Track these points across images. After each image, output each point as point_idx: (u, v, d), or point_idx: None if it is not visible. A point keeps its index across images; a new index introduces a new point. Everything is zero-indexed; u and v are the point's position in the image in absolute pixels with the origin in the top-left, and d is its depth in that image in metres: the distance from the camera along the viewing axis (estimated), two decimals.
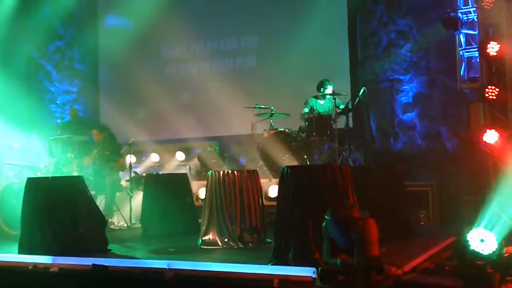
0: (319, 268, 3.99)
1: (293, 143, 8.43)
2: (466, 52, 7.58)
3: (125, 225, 8.26)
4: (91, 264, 4.80)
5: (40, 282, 4.91)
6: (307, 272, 4.07)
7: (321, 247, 4.29)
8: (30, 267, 5.05)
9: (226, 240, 6.00)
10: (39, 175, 7.99)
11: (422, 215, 7.51)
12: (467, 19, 7.57)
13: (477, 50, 7.31)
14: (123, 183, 8.66)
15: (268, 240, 6.02)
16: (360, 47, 9.60)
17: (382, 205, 5.42)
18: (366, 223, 4.12)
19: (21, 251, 5.62)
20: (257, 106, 8.87)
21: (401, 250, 5.04)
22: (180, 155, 10.32)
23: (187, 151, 10.44)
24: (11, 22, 11.25)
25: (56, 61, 12.45)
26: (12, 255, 5.49)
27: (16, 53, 11.70)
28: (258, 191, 6.32)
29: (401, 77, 9.17)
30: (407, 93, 9.13)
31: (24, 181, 5.92)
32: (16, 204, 6.55)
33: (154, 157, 10.38)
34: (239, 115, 9.51)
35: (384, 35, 9.35)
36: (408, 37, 9.07)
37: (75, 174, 8.06)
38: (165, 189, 7.42)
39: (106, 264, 4.76)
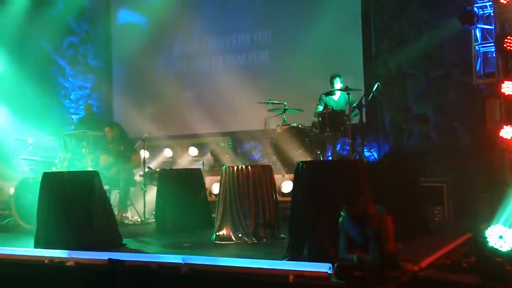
0: (335, 264, 3.97)
1: (306, 139, 8.40)
2: (482, 47, 7.52)
3: (139, 219, 8.30)
4: (107, 258, 4.81)
5: (56, 276, 4.93)
6: (322, 267, 4.04)
7: (337, 243, 4.26)
8: (46, 261, 5.08)
9: (240, 235, 6.00)
10: (54, 170, 8.04)
11: (437, 212, 7.47)
12: (483, 13, 7.50)
13: (493, 45, 7.23)
14: (137, 178, 8.69)
15: (282, 235, 6.02)
16: (374, 41, 9.53)
17: (397, 201, 5.39)
18: (381, 219, 4.09)
19: (37, 245, 5.65)
20: (270, 102, 8.87)
21: (417, 246, 5.02)
22: (193, 151, 10.32)
23: (200, 147, 10.45)
24: (25, 18, 11.31)
25: (70, 57, 12.52)
26: (28, 249, 5.52)
27: (30, 49, 11.78)
28: (272, 186, 6.32)
29: (416, 72, 9.10)
30: (422, 88, 9.06)
31: (39, 176, 5.95)
32: (31, 198, 6.60)
33: (167, 153, 10.40)
34: (252, 110, 9.50)
35: (398, 29, 9.28)
36: (423, 31, 8.98)
37: (89, 169, 8.09)
38: (179, 184, 7.43)
39: (122, 259, 4.77)
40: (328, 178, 4.73)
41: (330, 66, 9.18)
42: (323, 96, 8.73)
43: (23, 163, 8.32)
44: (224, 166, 6.33)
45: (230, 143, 10.12)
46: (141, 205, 8.34)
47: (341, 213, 4.23)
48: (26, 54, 11.59)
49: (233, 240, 5.99)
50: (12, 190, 7.61)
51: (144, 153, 8.76)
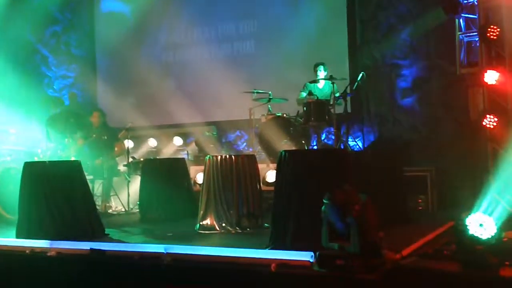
0: (317, 253, 3.97)
1: (291, 128, 8.38)
2: (466, 36, 7.52)
3: (123, 210, 8.27)
4: (88, 248, 4.79)
5: (38, 266, 4.90)
6: (304, 256, 4.05)
7: (319, 232, 4.27)
8: (27, 251, 5.04)
9: (223, 225, 6.01)
10: (36, 160, 7.97)
11: (421, 200, 7.51)
12: (467, 2, 7.48)
13: (476, 34, 7.24)
14: (121, 168, 8.64)
15: (266, 225, 6.02)
16: (359, 31, 9.52)
17: (380, 190, 5.42)
18: (363, 207, 4.10)
19: (19, 235, 5.62)
20: (255, 91, 8.83)
21: (399, 234, 5.03)
22: (177, 140, 10.27)
23: (185, 136, 10.40)
24: (6, 6, 11.12)
25: (53, 46, 12.36)
26: (9, 239, 5.48)
27: (12, 38, 11.58)
28: (256, 176, 6.32)
29: (401, 62, 9.12)
30: (406, 78, 9.08)
31: (22, 166, 5.89)
32: (13, 189, 6.52)
33: (152, 142, 10.34)
34: (237, 100, 9.47)
35: (383, 19, 9.27)
36: (408, 21, 8.98)
37: (72, 158, 8.03)
38: (163, 174, 7.41)
39: (104, 249, 4.75)
40: (311, 167, 4.73)
41: (315, 56, 9.14)
42: (308, 84, 8.71)
43: (5, 153, 8.22)
44: (208, 156, 6.31)
45: (215, 133, 10.09)
46: (125, 195, 8.31)
47: (324, 201, 4.23)
48: (8, 43, 11.41)
49: (217, 230, 5.99)
50: None
51: (128, 143, 8.70)
